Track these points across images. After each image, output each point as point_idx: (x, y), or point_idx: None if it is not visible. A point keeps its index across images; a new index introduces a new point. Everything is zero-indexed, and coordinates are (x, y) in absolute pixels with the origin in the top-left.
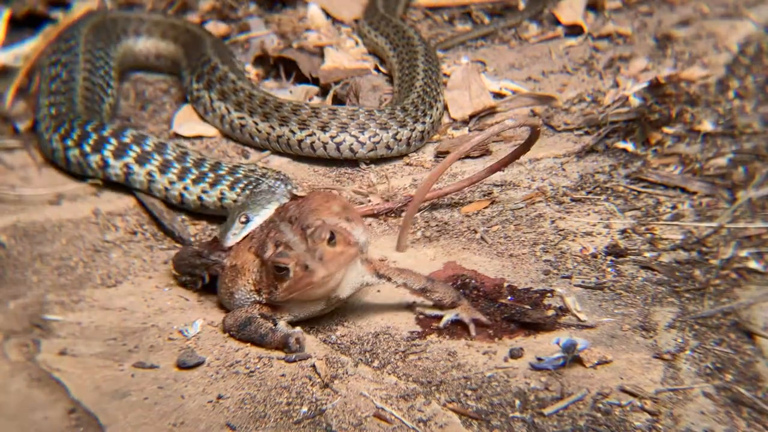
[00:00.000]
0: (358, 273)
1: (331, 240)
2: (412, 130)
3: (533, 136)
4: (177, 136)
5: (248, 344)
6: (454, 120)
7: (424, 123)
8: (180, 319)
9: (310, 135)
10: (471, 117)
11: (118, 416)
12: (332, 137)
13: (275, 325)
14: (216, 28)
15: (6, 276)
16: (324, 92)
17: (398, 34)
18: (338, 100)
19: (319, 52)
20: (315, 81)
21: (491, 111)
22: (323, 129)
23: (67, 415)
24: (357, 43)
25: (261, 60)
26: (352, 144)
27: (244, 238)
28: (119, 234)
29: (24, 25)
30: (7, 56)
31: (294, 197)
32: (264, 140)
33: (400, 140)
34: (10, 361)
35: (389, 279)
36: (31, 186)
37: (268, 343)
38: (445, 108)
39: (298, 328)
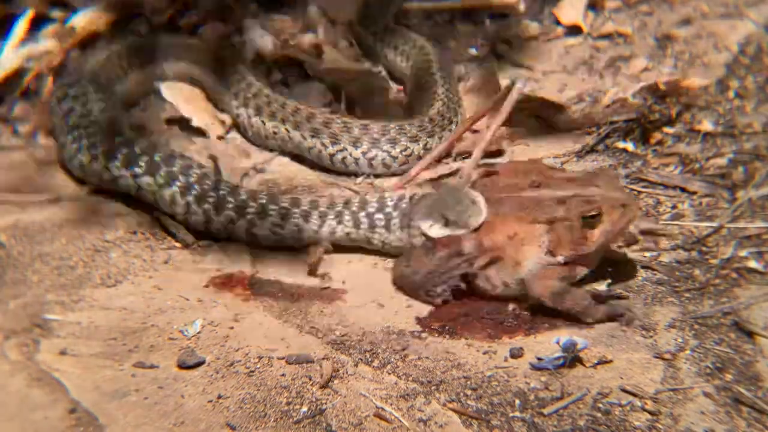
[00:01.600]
0: None
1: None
2: (441, 138)
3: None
4: None
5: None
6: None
7: (450, 131)
8: (180, 319)
9: (341, 150)
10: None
11: (118, 416)
12: (364, 153)
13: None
14: (215, 28)
15: (6, 276)
16: (333, 91)
17: (408, 43)
18: (350, 100)
19: (315, 53)
20: (320, 80)
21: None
22: (355, 144)
23: (67, 414)
24: (351, 44)
25: (260, 61)
26: (384, 159)
27: (487, 221)
28: (119, 234)
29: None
30: (19, 58)
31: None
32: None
33: (430, 150)
34: (10, 361)
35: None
36: (31, 185)
37: (591, 316)
38: None
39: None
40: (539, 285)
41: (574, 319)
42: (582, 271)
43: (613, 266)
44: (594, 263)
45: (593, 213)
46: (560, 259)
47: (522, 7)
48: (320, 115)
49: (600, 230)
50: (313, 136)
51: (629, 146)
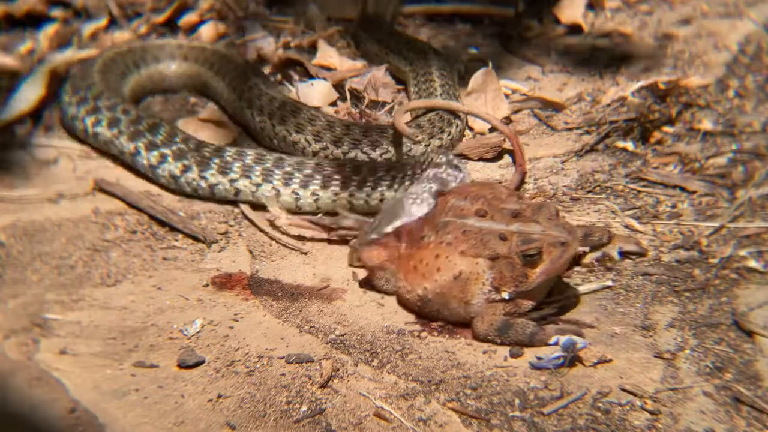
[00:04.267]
0: None
1: (557, 213)
2: (427, 146)
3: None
4: None
5: (507, 345)
6: (471, 129)
7: (440, 138)
8: (180, 319)
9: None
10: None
11: (118, 415)
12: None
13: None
14: (216, 28)
15: (6, 275)
16: (338, 87)
17: (410, 48)
18: (355, 96)
19: (315, 52)
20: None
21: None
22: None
23: (66, 414)
24: (349, 45)
25: (262, 62)
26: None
27: (432, 248)
28: (119, 233)
29: (24, 24)
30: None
31: (441, 194)
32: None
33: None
34: (10, 360)
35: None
36: (30, 185)
37: (539, 341)
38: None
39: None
40: (483, 323)
41: (525, 346)
42: (526, 304)
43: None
44: (539, 296)
45: (533, 252)
46: (505, 295)
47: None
48: None
49: (540, 268)
50: None
51: (629, 145)
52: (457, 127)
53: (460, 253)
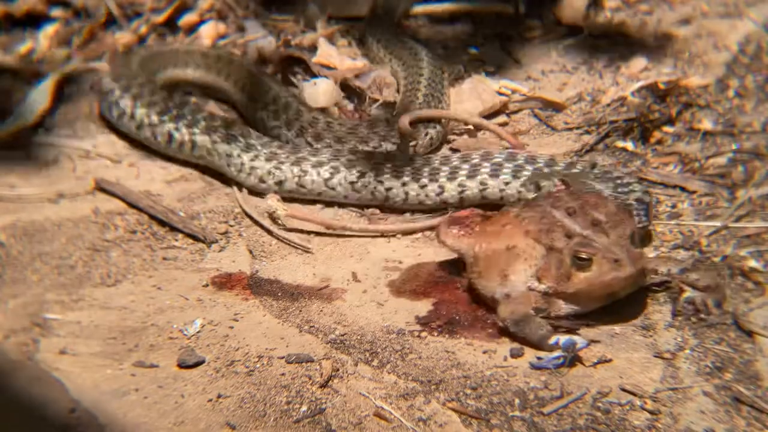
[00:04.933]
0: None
1: (634, 239)
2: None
3: None
4: None
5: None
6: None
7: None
8: (180, 318)
9: None
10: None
11: (118, 415)
12: None
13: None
14: (216, 28)
15: (6, 275)
16: (342, 87)
17: (407, 51)
18: (358, 94)
19: (315, 51)
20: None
21: (502, 109)
22: None
23: (66, 414)
24: (350, 44)
25: (262, 61)
26: None
27: (508, 218)
28: (119, 233)
29: (24, 24)
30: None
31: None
32: None
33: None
34: (10, 360)
35: (656, 272)
36: (30, 185)
37: (546, 346)
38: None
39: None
40: (507, 308)
41: (532, 346)
42: (560, 307)
43: None
44: (578, 307)
45: (584, 256)
46: (543, 287)
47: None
48: None
49: (585, 275)
50: None
51: (629, 145)
52: (435, 128)
53: (525, 231)
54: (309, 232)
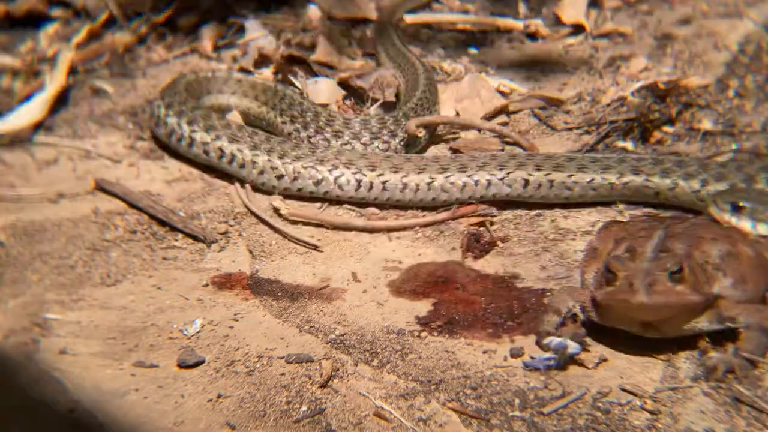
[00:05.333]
0: (694, 320)
1: (676, 274)
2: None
3: None
4: None
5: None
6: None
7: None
8: (180, 318)
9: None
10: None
11: (118, 415)
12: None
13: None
14: (217, 28)
15: (5, 275)
16: (343, 86)
17: (408, 65)
18: (359, 93)
19: (315, 50)
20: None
21: (503, 110)
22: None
23: (66, 414)
24: (350, 43)
25: (262, 62)
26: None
27: (616, 227)
28: (119, 233)
29: (24, 24)
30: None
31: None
32: None
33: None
34: (10, 360)
35: (734, 320)
36: (30, 185)
37: (539, 342)
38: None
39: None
40: (559, 292)
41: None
42: (594, 318)
43: None
44: (610, 323)
45: (612, 270)
46: (591, 289)
47: (523, 25)
48: None
49: (607, 289)
50: None
51: (629, 145)
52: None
53: (614, 236)
54: (318, 225)
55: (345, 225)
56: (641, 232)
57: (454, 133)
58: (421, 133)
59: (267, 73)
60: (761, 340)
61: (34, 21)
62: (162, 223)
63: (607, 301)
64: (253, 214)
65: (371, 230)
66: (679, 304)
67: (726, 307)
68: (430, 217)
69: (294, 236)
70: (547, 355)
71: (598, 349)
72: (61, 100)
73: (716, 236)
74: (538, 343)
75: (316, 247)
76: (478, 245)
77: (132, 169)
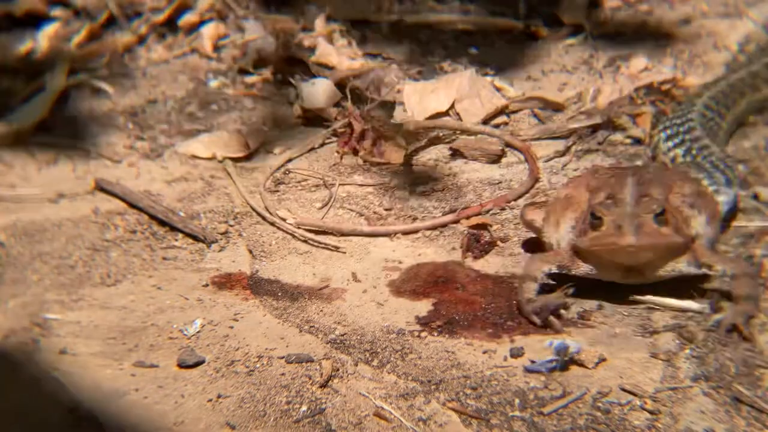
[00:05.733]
0: (674, 262)
1: (660, 216)
2: None
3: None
4: None
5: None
6: None
7: None
8: (179, 318)
9: None
10: (485, 121)
11: (118, 415)
12: None
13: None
14: (216, 29)
15: (5, 275)
16: (340, 86)
17: None
18: (356, 94)
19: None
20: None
21: (503, 110)
22: None
23: (66, 414)
24: (350, 43)
25: (262, 62)
26: None
27: (586, 176)
28: (119, 233)
29: (24, 24)
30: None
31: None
32: None
33: None
34: (10, 360)
35: (710, 267)
36: (30, 185)
37: (521, 309)
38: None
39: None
40: (536, 254)
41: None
42: (581, 266)
43: None
44: (599, 271)
45: (597, 215)
46: (571, 237)
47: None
48: None
49: (594, 234)
50: None
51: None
52: None
53: (586, 185)
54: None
55: (351, 231)
56: (611, 180)
57: (454, 133)
58: (421, 136)
59: (266, 73)
60: (751, 282)
61: (34, 21)
62: (162, 223)
63: (593, 246)
64: (260, 216)
65: (378, 236)
66: (664, 245)
67: (702, 253)
68: (435, 220)
69: (314, 239)
70: (549, 357)
71: (598, 349)
72: (61, 100)
73: (682, 178)
74: (520, 311)
75: (337, 248)
76: (478, 245)
77: (132, 169)
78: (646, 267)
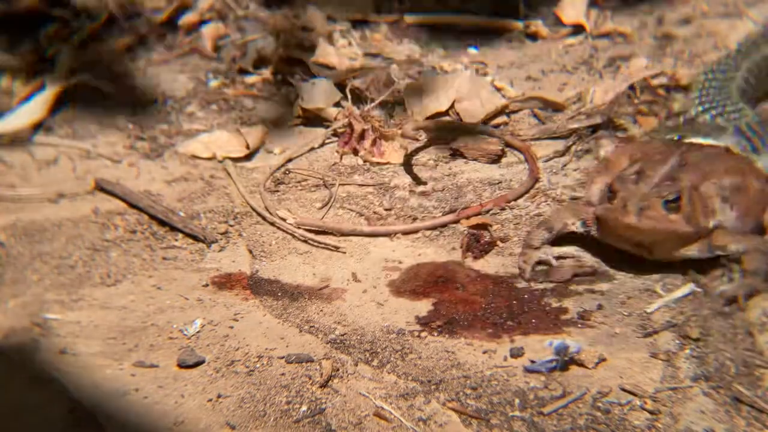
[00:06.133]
0: (684, 248)
1: (672, 203)
2: None
3: None
4: None
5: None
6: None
7: None
8: (179, 318)
9: None
10: (485, 122)
11: (118, 415)
12: None
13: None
14: (216, 28)
15: (5, 275)
16: (339, 86)
17: None
18: (356, 94)
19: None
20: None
21: (503, 110)
22: None
23: (66, 414)
24: (350, 43)
25: (262, 62)
26: None
27: (634, 145)
28: (119, 233)
29: (24, 24)
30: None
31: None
32: None
33: None
34: (10, 361)
35: (724, 249)
36: (30, 185)
37: (520, 264)
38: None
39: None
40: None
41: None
42: (595, 231)
43: None
44: (608, 239)
45: (613, 190)
46: (594, 201)
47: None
48: None
49: (605, 206)
50: None
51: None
52: None
53: (630, 153)
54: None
55: (351, 231)
56: (656, 156)
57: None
58: (420, 136)
59: (266, 73)
60: (761, 257)
61: (34, 21)
62: (162, 223)
63: (603, 216)
64: (260, 216)
65: (378, 236)
66: (666, 231)
67: (717, 237)
68: (435, 220)
69: (315, 239)
70: (549, 357)
71: (598, 349)
72: (61, 100)
73: (728, 168)
74: (521, 255)
75: (337, 248)
76: (478, 245)
77: (132, 169)
78: (654, 246)
